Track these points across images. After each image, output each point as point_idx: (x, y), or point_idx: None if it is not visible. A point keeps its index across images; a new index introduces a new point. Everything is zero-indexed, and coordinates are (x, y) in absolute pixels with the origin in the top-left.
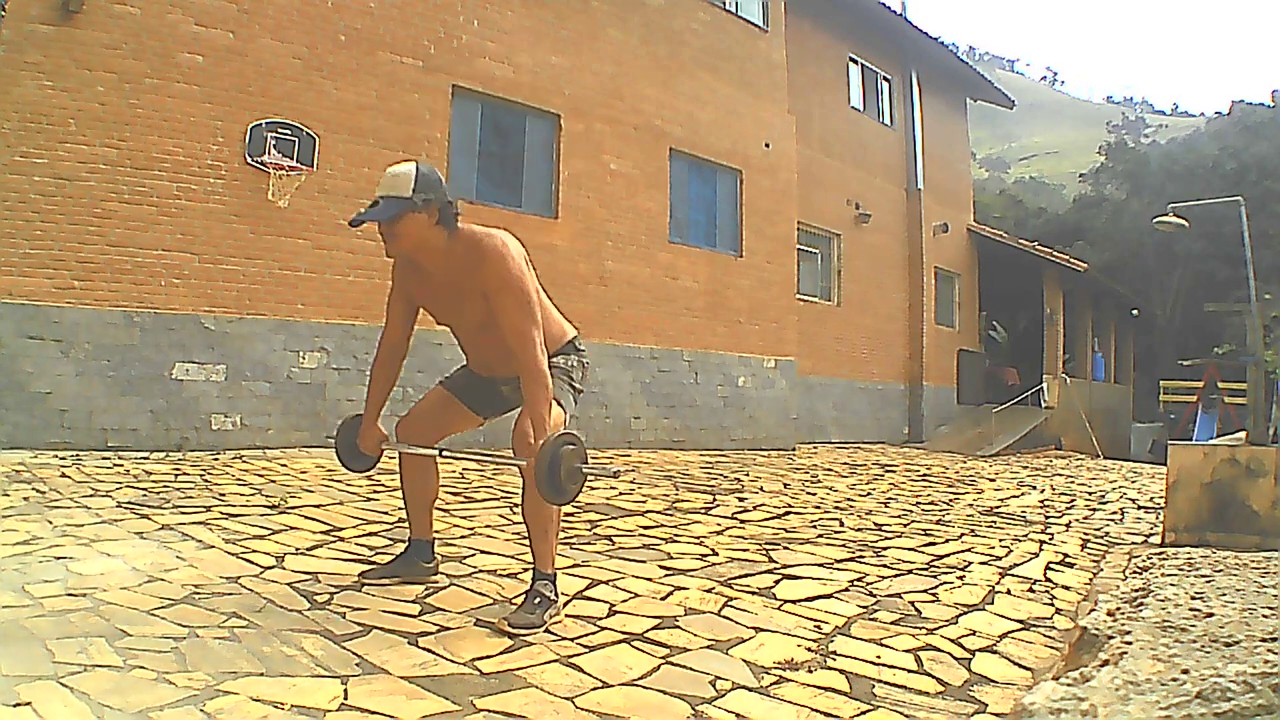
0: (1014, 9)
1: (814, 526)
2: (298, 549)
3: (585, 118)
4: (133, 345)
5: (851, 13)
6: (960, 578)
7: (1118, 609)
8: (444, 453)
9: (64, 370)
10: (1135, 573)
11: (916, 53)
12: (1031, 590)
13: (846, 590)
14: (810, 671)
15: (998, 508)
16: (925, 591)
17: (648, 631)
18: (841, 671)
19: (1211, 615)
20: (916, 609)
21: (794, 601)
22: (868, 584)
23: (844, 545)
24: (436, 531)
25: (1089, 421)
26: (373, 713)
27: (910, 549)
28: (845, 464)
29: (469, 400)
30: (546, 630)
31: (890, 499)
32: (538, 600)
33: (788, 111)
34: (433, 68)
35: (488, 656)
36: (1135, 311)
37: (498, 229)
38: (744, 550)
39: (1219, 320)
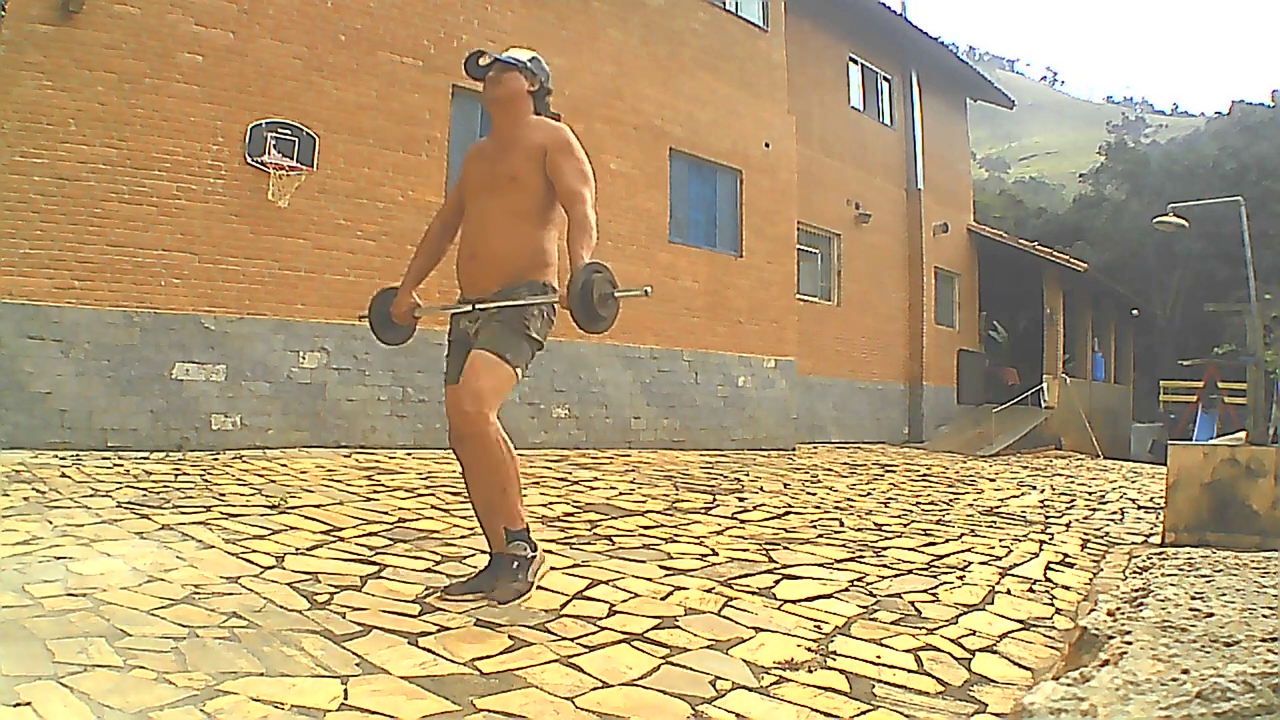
0: (1014, 9)
1: (814, 526)
2: (298, 549)
3: (585, 117)
4: (133, 345)
5: (851, 13)
6: (960, 578)
7: (1118, 609)
8: (478, 306)
9: (64, 370)
10: (1135, 573)
11: (916, 53)
12: (1031, 590)
13: (846, 590)
14: (810, 671)
15: (998, 508)
16: (925, 591)
17: (648, 631)
18: (841, 671)
19: (1211, 615)
20: (916, 609)
21: (794, 601)
22: (868, 584)
23: (844, 545)
24: (435, 532)
25: (1089, 421)
26: (373, 713)
27: (910, 549)
28: (845, 464)
29: None
30: (546, 631)
31: (890, 499)
32: (515, 564)
33: (788, 111)
34: (433, 68)
35: (488, 656)
36: (1135, 311)
37: None
38: (744, 550)
39: (1219, 320)
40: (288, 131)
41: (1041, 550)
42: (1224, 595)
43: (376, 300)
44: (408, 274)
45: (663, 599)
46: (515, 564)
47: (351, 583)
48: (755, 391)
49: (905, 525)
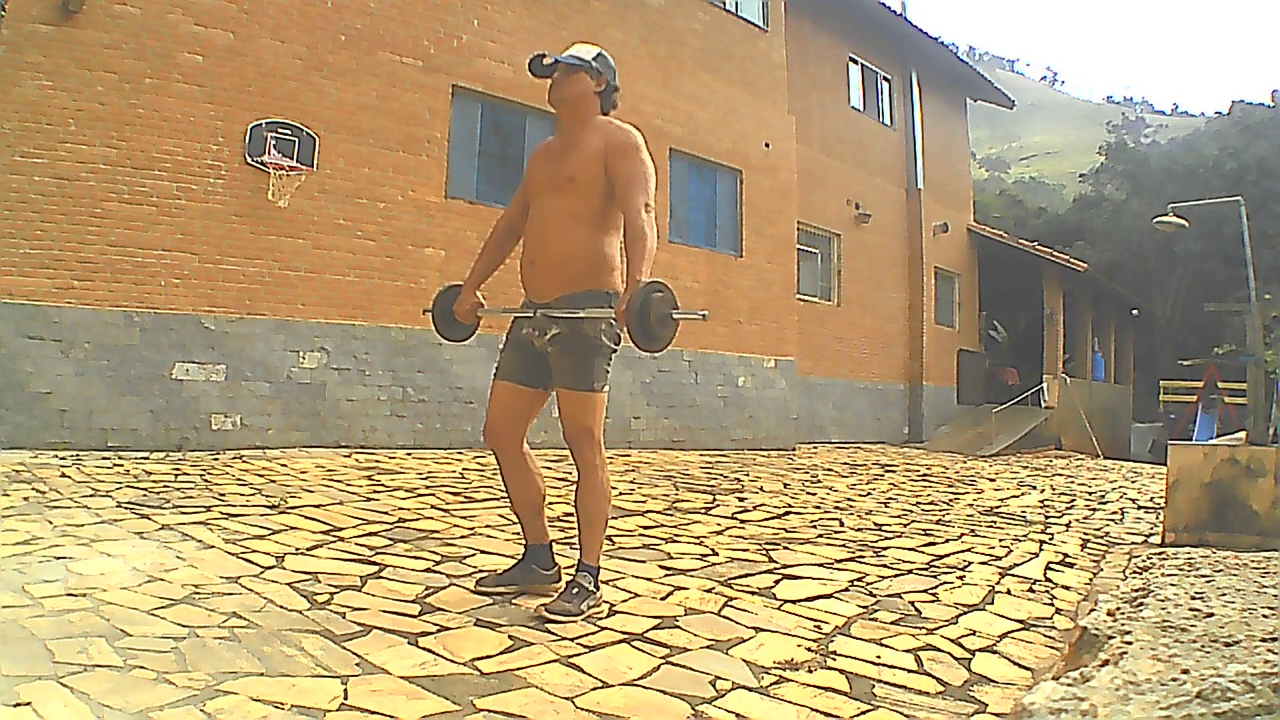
0: (1014, 9)
1: (814, 526)
2: (298, 549)
3: None
4: (133, 345)
5: (851, 13)
6: (960, 578)
7: (1118, 609)
8: (539, 313)
9: (64, 370)
10: (1135, 573)
11: (916, 53)
12: (1031, 590)
13: (846, 590)
14: (810, 671)
15: (998, 508)
16: (925, 591)
17: (648, 631)
18: (841, 671)
19: (1211, 615)
20: (916, 609)
21: (794, 601)
22: (868, 584)
23: (844, 545)
24: (436, 532)
25: (1089, 421)
26: (373, 713)
27: (910, 549)
28: (845, 464)
29: (522, 378)
30: (546, 631)
31: (890, 499)
32: (576, 590)
33: (788, 111)
34: (433, 68)
35: (488, 656)
36: (1135, 311)
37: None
38: (744, 550)
39: (1219, 320)
40: (288, 131)
41: (1041, 550)
42: (1224, 595)
43: (440, 297)
44: (471, 273)
45: (663, 599)
46: (575, 590)
47: (351, 583)
48: (755, 391)
49: (905, 525)
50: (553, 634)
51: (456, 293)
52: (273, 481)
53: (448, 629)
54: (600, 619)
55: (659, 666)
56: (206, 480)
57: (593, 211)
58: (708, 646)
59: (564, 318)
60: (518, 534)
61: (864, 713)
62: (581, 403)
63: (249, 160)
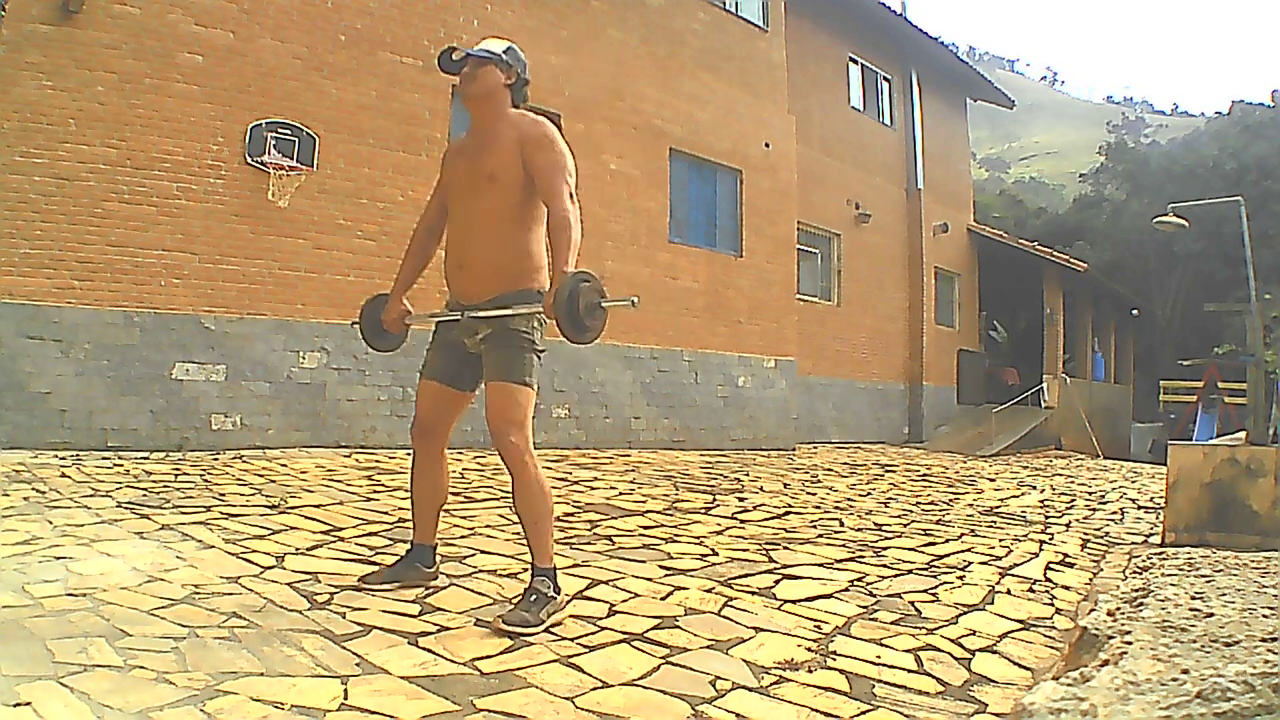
0: (1014, 9)
1: (814, 526)
2: (298, 549)
3: (585, 118)
4: (133, 345)
5: (851, 13)
6: (960, 578)
7: (1118, 609)
8: (467, 314)
9: (64, 370)
10: (1135, 573)
11: (916, 53)
12: (1031, 590)
13: (846, 590)
14: (810, 671)
15: (998, 508)
16: (925, 591)
17: (648, 631)
18: (841, 671)
19: (1211, 615)
20: (916, 609)
21: (794, 601)
22: (868, 584)
23: (844, 545)
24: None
25: (1089, 421)
26: (373, 713)
27: (910, 549)
28: (845, 464)
29: (448, 379)
30: (547, 630)
31: (890, 499)
32: (534, 598)
33: (788, 111)
34: (433, 68)
35: (488, 656)
36: (1135, 311)
37: None
38: (744, 550)
39: (1219, 320)
40: (288, 131)
41: (1041, 550)
42: (1224, 595)
43: (367, 307)
44: (396, 281)
45: (663, 599)
46: (534, 597)
47: (351, 583)
48: (755, 391)
49: (905, 525)
50: (553, 634)
51: (383, 302)
52: (273, 481)
53: (448, 629)
54: (600, 619)
55: (659, 666)
56: (206, 480)
57: (515, 209)
58: (708, 646)
59: (493, 317)
60: (518, 534)
61: (864, 713)
62: (510, 395)
63: (249, 160)
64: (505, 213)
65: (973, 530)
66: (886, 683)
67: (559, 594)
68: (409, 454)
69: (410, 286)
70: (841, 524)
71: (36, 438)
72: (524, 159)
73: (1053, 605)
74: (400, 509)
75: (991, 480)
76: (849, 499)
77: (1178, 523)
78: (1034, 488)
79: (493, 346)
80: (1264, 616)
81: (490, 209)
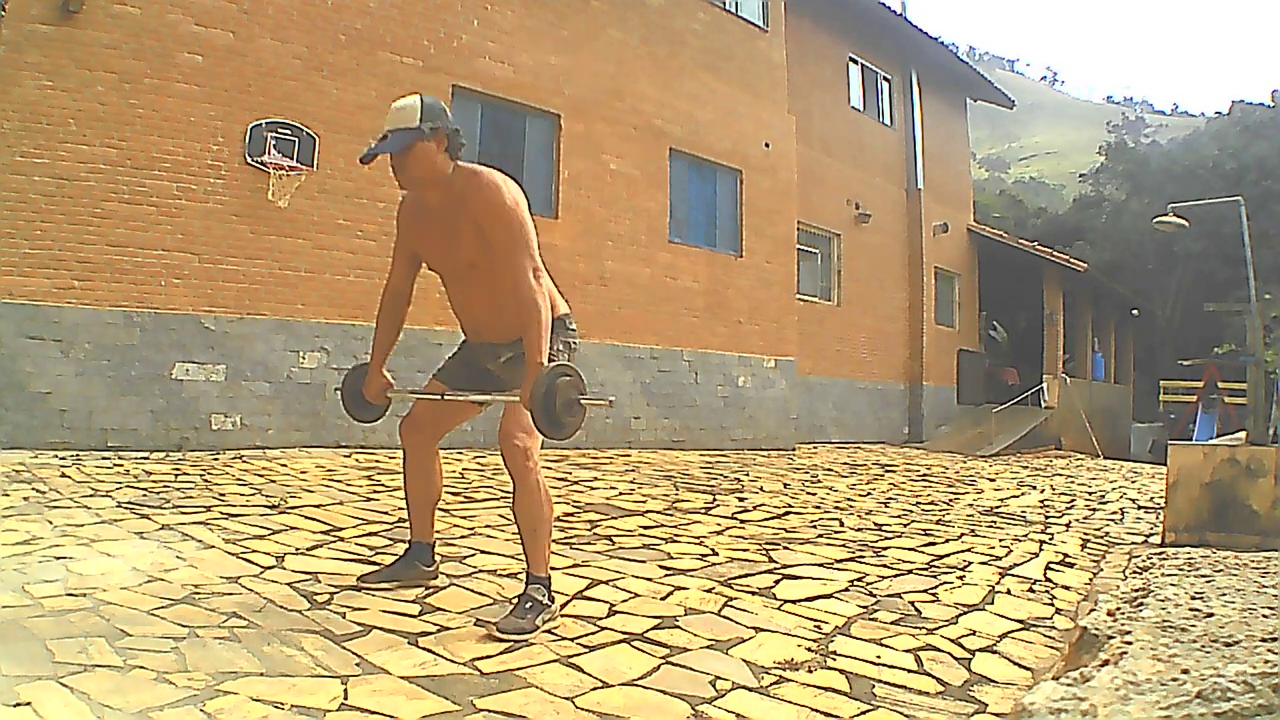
0: (1014, 9)
1: (814, 526)
2: (298, 549)
3: (585, 118)
4: (133, 345)
5: (851, 13)
6: (960, 578)
7: (1118, 609)
8: (445, 396)
9: (64, 370)
10: (1135, 573)
11: (916, 53)
12: (1031, 590)
13: (846, 590)
14: (810, 671)
15: (998, 508)
16: (925, 591)
17: (648, 631)
18: (841, 671)
19: (1211, 615)
20: (916, 609)
21: (794, 601)
22: (868, 584)
23: (844, 545)
24: (437, 532)
25: (1089, 421)
26: (373, 713)
27: (910, 549)
28: (845, 464)
29: (462, 389)
30: (546, 631)
31: (890, 499)
32: (529, 605)
33: (788, 111)
34: (433, 68)
35: (488, 656)
36: (1135, 311)
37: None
38: (744, 550)
39: (1219, 320)
40: (288, 131)
41: (1041, 550)
42: (1224, 595)
43: (349, 378)
44: (374, 352)
45: (663, 599)
46: (529, 604)
47: (351, 583)
48: (755, 391)
49: (905, 525)
50: (553, 634)
51: (364, 373)
52: (273, 481)
53: (448, 629)
54: (600, 619)
55: (659, 666)
56: (206, 480)
57: (509, 279)
58: (708, 646)
59: (477, 401)
60: (517, 533)
61: (864, 713)
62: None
63: (249, 160)
64: (500, 287)
65: (973, 530)
66: (886, 683)
67: (553, 602)
68: None
69: (388, 354)
70: (841, 524)
71: (36, 438)
72: (485, 233)
73: (1053, 605)
74: (400, 509)
75: (991, 480)
76: (849, 499)
77: (1178, 523)
78: (1034, 488)
79: (516, 365)
80: (1264, 616)
81: (485, 291)
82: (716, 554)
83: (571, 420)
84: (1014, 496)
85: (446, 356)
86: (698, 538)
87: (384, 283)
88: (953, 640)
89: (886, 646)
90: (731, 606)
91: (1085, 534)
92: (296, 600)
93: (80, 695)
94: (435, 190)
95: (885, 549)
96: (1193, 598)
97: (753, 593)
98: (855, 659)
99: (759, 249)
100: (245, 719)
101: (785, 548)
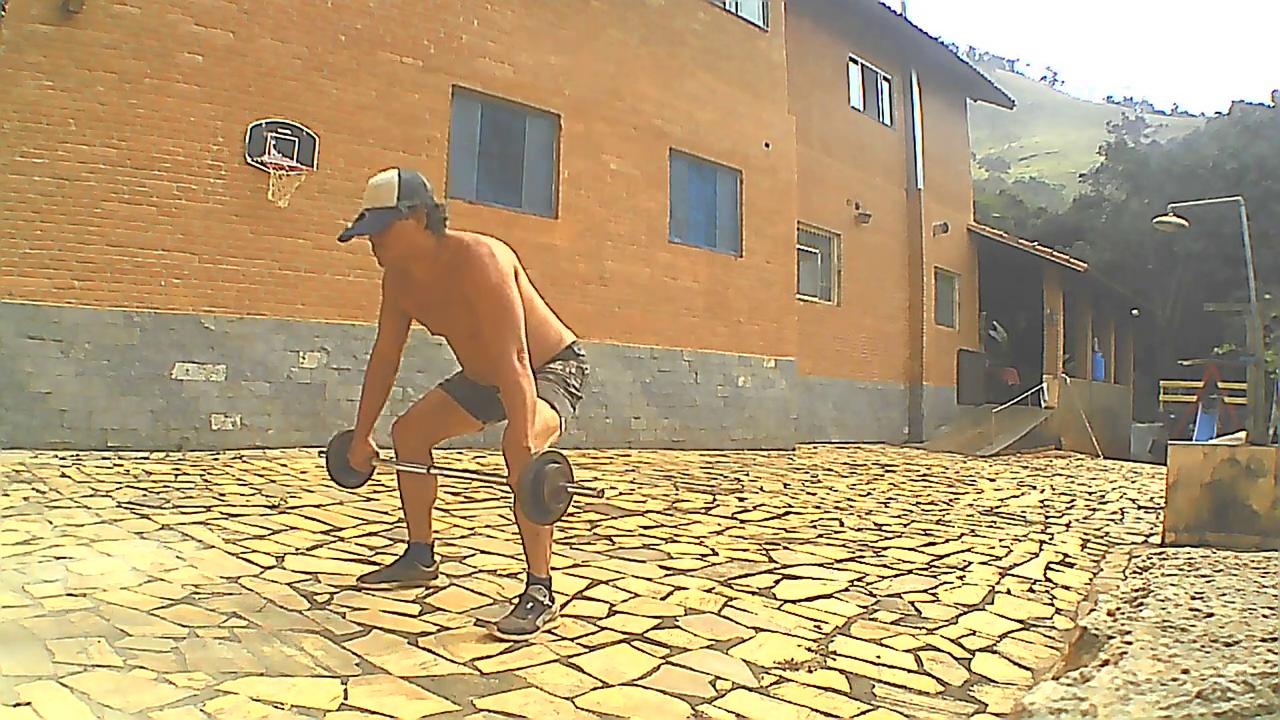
0: (1014, 9)
1: (814, 526)
2: (298, 549)
3: (585, 118)
4: (133, 345)
5: (851, 13)
6: (960, 578)
7: (1118, 609)
8: (432, 470)
9: (64, 370)
10: (1135, 573)
11: (916, 53)
12: (1031, 590)
13: (846, 590)
14: (810, 671)
15: (998, 508)
16: (925, 591)
17: (648, 631)
18: (841, 671)
19: (1211, 615)
20: (916, 609)
21: (794, 601)
22: (868, 584)
23: (844, 545)
24: (436, 532)
25: (1089, 421)
26: (373, 713)
27: (910, 549)
28: (845, 464)
29: (468, 404)
30: (546, 631)
31: (890, 499)
32: (530, 605)
33: (788, 111)
34: (433, 68)
35: (488, 656)
36: (1135, 311)
37: (489, 236)
38: (744, 550)
39: (1219, 320)
40: (288, 131)
41: (1041, 550)
42: (1224, 595)
43: (334, 444)
44: (359, 422)
45: (663, 599)
46: (530, 605)
47: (351, 583)
48: (755, 391)
49: (905, 525)
50: (553, 634)
51: (348, 440)
52: (273, 481)
53: (448, 629)
54: (600, 619)
55: (659, 666)
56: (206, 480)
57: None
58: (708, 646)
59: (460, 474)
60: (517, 533)
61: (864, 713)
62: (539, 408)
63: (249, 160)
64: (502, 350)
65: (973, 530)
66: (886, 683)
67: (554, 603)
68: None
69: (373, 423)
70: (841, 524)
71: (36, 438)
72: (471, 308)
73: (1053, 605)
74: (400, 509)
75: (991, 480)
76: (849, 499)
77: (1178, 523)
78: (1034, 488)
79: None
80: (1264, 616)
81: (489, 356)
82: (716, 554)
83: (559, 507)
84: (1014, 496)
85: (455, 372)
86: (698, 538)
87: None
88: (953, 640)
89: (886, 646)
90: (731, 606)
91: (1085, 534)
92: (296, 600)
93: (80, 695)
94: (420, 265)
95: (885, 549)
96: (1193, 598)
97: (753, 593)
98: (855, 659)
99: (759, 249)
100: (245, 719)
101: (785, 548)
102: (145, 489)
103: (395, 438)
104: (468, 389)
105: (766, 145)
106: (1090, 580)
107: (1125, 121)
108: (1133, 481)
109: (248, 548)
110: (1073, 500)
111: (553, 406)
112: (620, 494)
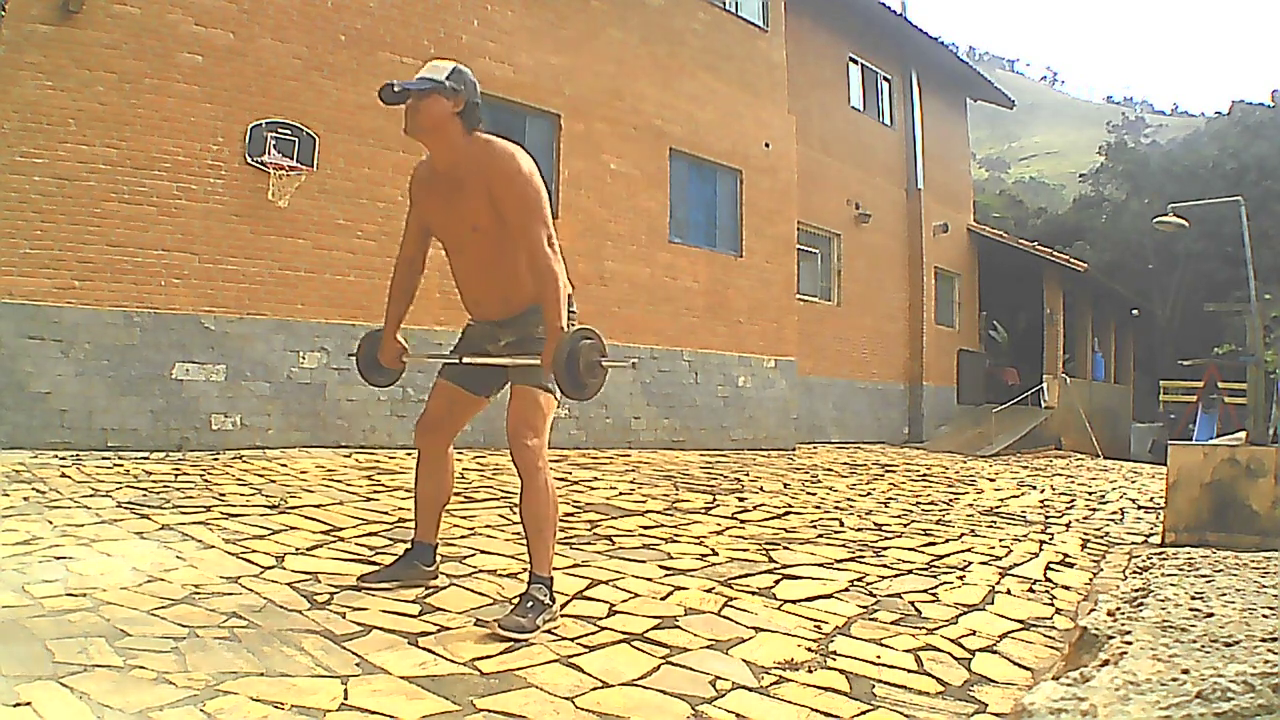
0: (1014, 9)
1: (814, 526)
2: (298, 549)
3: (585, 118)
4: (133, 345)
5: (851, 13)
6: (960, 578)
7: (1118, 609)
8: (464, 360)
9: (64, 370)
10: (1135, 573)
11: (916, 53)
12: (1031, 590)
13: (846, 590)
14: (810, 671)
15: (998, 508)
16: (925, 591)
17: (648, 631)
18: (841, 671)
19: (1211, 615)
20: (916, 609)
21: (794, 601)
22: (868, 584)
23: (844, 545)
24: None
25: (1089, 421)
26: (373, 713)
27: (910, 549)
28: (845, 464)
29: (467, 383)
30: (546, 631)
31: (890, 499)
32: (530, 604)
33: (788, 111)
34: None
35: (488, 656)
36: (1135, 311)
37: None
38: (744, 550)
39: (1219, 320)
40: (288, 131)
41: (1041, 550)
42: (1224, 595)
43: (364, 343)
44: (387, 319)
45: (663, 599)
46: (530, 604)
47: (351, 583)
48: (755, 391)
49: (905, 525)
50: (553, 634)
51: (378, 338)
52: (273, 481)
53: (447, 629)
54: (600, 619)
55: (659, 666)
56: (206, 480)
57: (511, 247)
58: (708, 646)
59: (491, 365)
60: (518, 533)
61: (864, 713)
62: (531, 399)
63: (249, 160)
64: (502, 256)
65: (973, 530)
66: (886, 683)
67: (554, 603)
68: (409, 454)
69: (401, 322)
70: (841, 524)
71: (36, 438)
72: (495, 197)
73: (1053, 605)
74: (400, 509)
75: (991, 480)
76: (849, 499)
77: (1178, 523)
78: (1034, 488)
79: (516, 353)
80: (1264, 616)
81: (486, 257)
82: (716, 554)
83: (594, 381)
84: (1014, 496)
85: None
86: (698, 538)
87: (384, 283)
88: (953, 640)
89: (886, 646)
90: (731, 606)
91: (1085, 534)
92: (296, 600)
93: (80, 695)
94: (442, 151)
95: (885, 549)
96: (1193, 598)
97: (753, 593)
98: (855, 659)
99: (759, 249)
100: (245, 719)
101: (785, 548)
102: (145, 489)
103: (419, 441)
104: (467, 367)
105: (766, 145)
106: (1090, 580)
107: (1125, 121)
108: (1133, 481)
109: (248, 548)
110: (1073, 500)
111: (548, 389)
112: (620, 494)
